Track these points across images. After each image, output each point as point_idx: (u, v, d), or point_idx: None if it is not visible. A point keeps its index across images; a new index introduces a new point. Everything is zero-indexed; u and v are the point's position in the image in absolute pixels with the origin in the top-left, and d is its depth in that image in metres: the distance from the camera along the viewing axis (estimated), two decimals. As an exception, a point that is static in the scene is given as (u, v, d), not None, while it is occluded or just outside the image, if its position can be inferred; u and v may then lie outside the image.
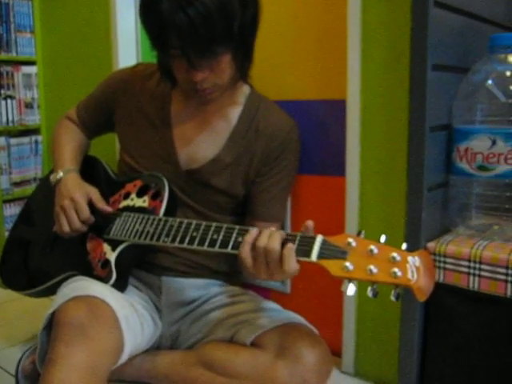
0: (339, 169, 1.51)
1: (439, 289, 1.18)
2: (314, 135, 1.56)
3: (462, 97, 1.30)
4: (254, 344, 1.31)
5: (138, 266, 1.47)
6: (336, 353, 1.53)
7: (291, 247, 1.05)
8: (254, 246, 1.09)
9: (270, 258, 1.07)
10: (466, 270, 1.19)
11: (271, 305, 1.46)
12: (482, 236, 1.26)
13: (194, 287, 1.47)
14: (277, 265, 1.07)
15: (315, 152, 1.56)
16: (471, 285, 1.19)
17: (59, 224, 1.42)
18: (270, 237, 1.08)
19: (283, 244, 1.06)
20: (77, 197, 1.40)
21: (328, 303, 1.62)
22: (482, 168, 1.24)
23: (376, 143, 1.42)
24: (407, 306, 1.29)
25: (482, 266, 1.16)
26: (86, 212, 1.40)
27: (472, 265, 1.18)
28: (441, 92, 1.28)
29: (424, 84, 1.21)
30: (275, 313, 1.40)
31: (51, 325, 1.22)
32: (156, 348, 1.46)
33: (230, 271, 1.54)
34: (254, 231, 1.11)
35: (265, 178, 1.43)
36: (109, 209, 1.41)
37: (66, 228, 1.40)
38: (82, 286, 1.29)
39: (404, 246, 0.98)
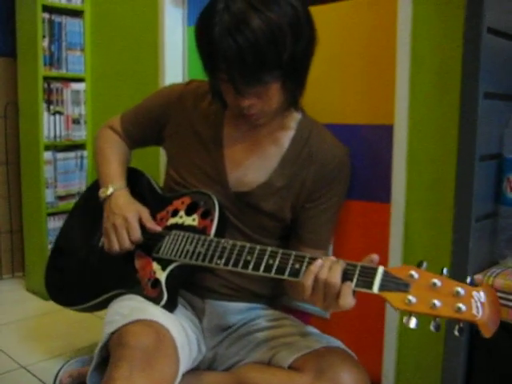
0: (385, 195, 1.49)
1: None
2: (361, 159, 1.54)
3: (514, 126, 1.27)
4: (291, 367, 1.29)
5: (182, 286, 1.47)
6: (375, 381, 1.50)
7: (349, 285, 1.04)
8: (315, 278, 1.08)
9: (328, 291, 1.06)
10: (514, 304, 1.15)
11: (311, 329, 1.44)
12: (532, 269, 1.22)
13: (236, 312, 1.47)
14: (333, 298, 1.06)
15: (361, 177, 1.54)
16: (520, 320, 1.15)
17: (109, 241, 1.43)
18: (330, 269, 1.07)
19: (343, 277, 1.05)
20: (130, 217, 1.41)
21: (368, 330, 1.59)
22: (532, 199, 1.21)
23: (423, 170, 1.40)
24: (451, 338, 1.25)
25: (532, 301, 1.12)
26: (137, 233, 1.40)
27: (521, 299, 1.14)
28: (492, 120, 1.25)
29: (475, 112, 1.19)
30: (314, 337, 1.38)
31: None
32: (194, 368, 1.45)
33: (271, 295, 1.53)
34: (318, 262, 1.10)
35: (315, 205, 1.42)
36: (158, 228, 1.41)
37: (116, 247, 1.41)
38: (139, 307, 1.28)
39: (468, 279, 0.96)
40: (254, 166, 1.42)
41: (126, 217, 1.41)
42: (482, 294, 0.92)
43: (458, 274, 1.10)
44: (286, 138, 1.42)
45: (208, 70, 1.27)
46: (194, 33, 1.26)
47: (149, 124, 1.58)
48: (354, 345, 1.39)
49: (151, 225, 1.42)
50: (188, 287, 1.46)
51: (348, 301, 1.05)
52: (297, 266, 1.12)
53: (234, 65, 1.16)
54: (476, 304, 0.91)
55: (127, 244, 1.40)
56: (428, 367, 1.44)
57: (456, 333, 0.92)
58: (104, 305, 1.45)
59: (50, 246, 2.50)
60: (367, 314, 1.55)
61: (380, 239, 1.50)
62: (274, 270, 1.14)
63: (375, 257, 1.07)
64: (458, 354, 1.24)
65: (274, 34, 1.15)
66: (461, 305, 0.91)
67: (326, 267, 1.08)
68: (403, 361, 1.50)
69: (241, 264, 1.19)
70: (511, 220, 1.26)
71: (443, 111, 1.35)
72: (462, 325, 0.92)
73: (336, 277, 1.05)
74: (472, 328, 0.96)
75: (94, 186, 1.65)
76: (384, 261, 1.06)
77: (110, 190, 1.48)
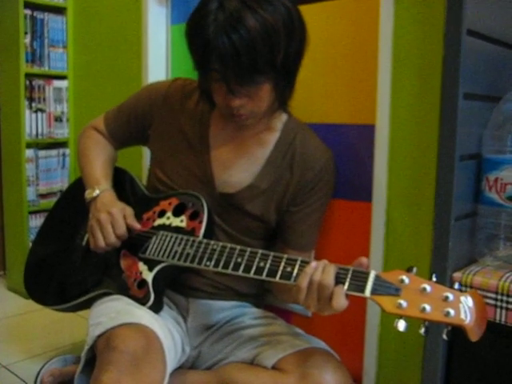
0: (366, 194, 1.50)
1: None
2: (343, 159, 1.55)
3: (493, 126, 1.29)
4: (275, 367, 1.30)
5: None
6: (356, 379, 1.51)
7: (342, 287, 1.06)
8: (309, 279, 1.09)
9: (322, 293, 1.07)
10: (492, 302, 1.17)
11: (294, 329, 1.44)
12: (510, 267, 1.24)
13: (220, 310, 1.47)
14: (327, 301, 1.07)
15: (343, 176, 1.55)
16: (498, 317, 1.16)
17: (94, 238, 1.40)
18: (324, 271, 1.08)
19: (335, 281, 1.07)
20: (114, 211, 1.38)
21: (350, 329, 1.60)
22: (511, 198, 1.23)
23: (404, 170, 1.41)
24: (430, 337, 1.27)
25: (510, 299, 1.14)
26: (122, 227, 1.38)
27: (499, 297, 1.16)
28: (471, 121, 1.27)
29: (455, 112, 1.20)
30: (298, 337, 1.39)
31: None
32: (177, 368, 1.45)
33: (256, 294, 1.54)
34: (313, 264, 1.11)
35: (299, 208, 1.42)
36: (138, 226, 1.39)
37: (101, 243, 1.38)
38: (126, 309, 1.27)
39: (456, 285, 1.00)
40: (239, 168, 1.42)
41: (111, 211, 1.39)
42: (469, 298, 0.95)
43: (437, 272, 1.12)
44: (272, 139, 1.42)
45: (200, 69, 1.26)
46: (184, 31, 1.25)
47: (134, 123, 1.55)
48: (335, 343, 1.40)
49: (131, 221, 1.39)
50: (172, 286, 1.46)
51: (341, 303, 1.06)
52: (288, 269, 1.13)
53: (228, 64, 1.16)
54: (464, 309, 0.94)
55: (113, 239, 1.37)
56: (408, 365, 1.46)
57: (444, 337, 0.97)
58: (87, 305, 1.44)
59: (31, 245, 2.48)
60: (349, 313, 1.55)
61: (362, 237, 1.51)
62: (265, 273, 1.15)
63: (365, 260, 1.09)
64: (438, 352, 1.25)
65: (269, 34, 1.15)
66: (450, 309, 0.94)
67: (320, 269, 1.09)
68: (384, 358, 1.51)
69: (231, 266, 1.19)
70: (490, 219, 1.28)
71: (424, 111, 1.36)
72: (449, 329, 0.96)
73: (330, 278, 1.06)
74: (452, 328, 0.98)
75: (76, 185, 1.63)
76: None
77: (96, 192, 1.46)
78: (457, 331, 0.98)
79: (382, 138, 1.44)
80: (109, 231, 1.37)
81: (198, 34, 1.19)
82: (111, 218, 1.38)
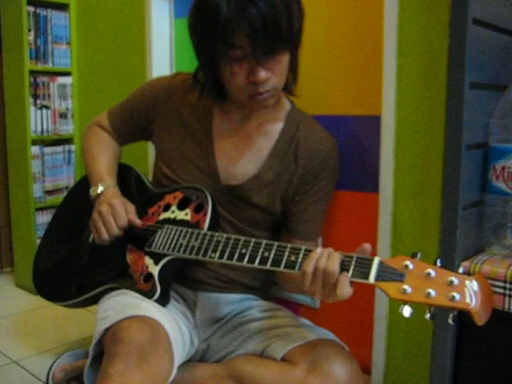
0: (373, 185, 1.50)
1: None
2: (349, 150, 1.55)
3: (499, 115, 1.28)
4: (284, 359, 1.30)
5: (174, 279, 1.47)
6: (365, 370, 1.52)
7: (346, 274, 1.06)
8: (315, 265, 1.09)
9: (327, 279, 1.07)
10: (501, 290, 1.17)
11: (303, 320, 1.45)
12: (518, 256, 1.24)
13: (228, 302, 1.47)
14: (332, 288, 1.07)
15: (349, 167, 1.56)
16: (506, 306, 1.16)
17: (97, 231, 1.41)
18: (329, 257, 1.09)
19: (340, 268, 1.07)
20: (115, 202, 1.39)
21: (358, 319, 1.61)
22: (518, 187, 1.23)
23: (410, 160, 1.42)
24: (440, 326, 1.27)
25: (519, 288, 1.14)
26: (124, 218, 1.39)
27: (508, 286, 1.16)
28: (477, 110, 1.27)
29: (461, 102, 1.20)
30: (307, 328, 1.39)
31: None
32: (187, 360, 1.46)
33: (263, 287, 1.54)
34: (318, 250, 1.11)
35: (304, 197, 1.43)
36: (138, 222, 1.41)
37: (105, 235, 1.39)
38: (133, 303, 1.29)
39: (461, 269, 0.99)
40: (244, 159, 1.42)
41: (112, 203, 1.39)
42: (474, 283, 0.95)
43: (445, 262, 1.12)
44: (276, 130, 1.43)
45: (216, 56, 1.24)
46: (189, 25, 1.25)
47: (137, 119, 1.56)
48: (343, 334, 1.40)
49: (133, 217, 1.40)
50: (179, 280, 1.47)
51: (345, 290, 1.06)
52: (292, 258, 1.13)
53: (257, 34, 1.16)
54: (469, 293, 0.94)
55: (115, 230, 1.39)
56: (417, 355, 1.46)
57: (450, 321, 0.95)
58: (94, 300, 1.45)
59: (38, 241, 2.49)
60: (357, 304, 1.56)
61: (369, 228, 1.52)
62: (269, 263, 1.15)
63: (368, 246, 1.09)
64: (447, 341, 1.25)
65: (287, 1, 1.18)
66: (455, 294, 0.94)
67: (325, 255, 1.09)
68: (393, 349, 1.52)
69: (236, 257, 1.20)
70: (497, 208, 1.28)
71: (430, 101, 1.36)
72: (455, 313, 0.95)
73: (335, 265, 1.07)
74: (460, 316, 0.98)
75: (83, 182, 1.64)
76: (373, 250, 1.07)
77: (101, 189, 1.47)
78: (465, 321, 0.98)
79: (388, 129, 1.44)
80: (111, 223, 1.39)
81: (214, 18, 1.17)
82: (112, 209, 1.39)
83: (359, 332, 1.59)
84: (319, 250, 1.11)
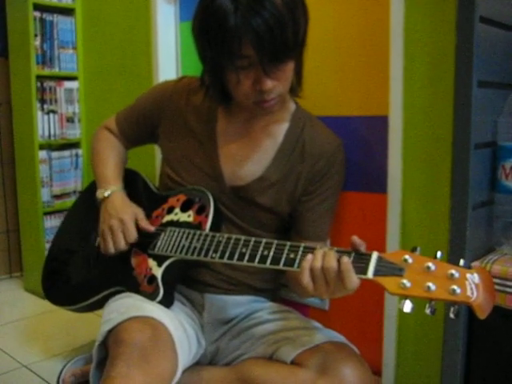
0: (381, 186, 1.49)
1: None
2: (356, 151, 1.55)
3: (508, 113, 1.28)
4: (294, 362, 1.29)
5: (181, 281, 1.48)
6: (376, 371, 1.51)
7: (347, 261, 1.04)
8: (311, 269, 1.08)
9: (328, 277, 1.06)
10: (512, 290, 1.16)
11: (313, 323, 1.44)
12: (529, 256, 1.24)
13: (236, 305, 1.47)
14: (336, 282, 1.06)
15: (357, 168, 1.55)
16: (518, 306, 1.16)
17: (105, 243, 1.44)
18: (324, 256, 1.08)
19: (338, 261, 1.05)
20: (126, 219, 1.42)
21: (368, 320, 1.60)
22: (528, 186, 1.22)
23: (419, 160, 1.41)
24: (450, 326, 1.26)
25: (530, 287, 1.13)
26: (133, 235, 1.41)
27: (519, 285, 1.15)
28: (486, 109, 1.26)
29: (469, 101, 1.19)
30: (317, 331, 1.38)
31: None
32: (195, 364, 1.46)
33: (271, 288, 1.54)
34: (309, 256, 1.10)
35: (311, 197, 1.42)
36: (151, 228, 1.42)
37: (111, 249, 1.42)
38: (136, 305, 1.29)
39: (462, 262, 0.96)
40: (249, 160, 1.42)
41: (123, 219, 1.42)
42: (475, 275, 0.93)
43: (455, 262, 1.11)
44: (281, 131, 1.42)
45: (223, 63, 1.23)
46: (193, 30, 1.25)
47: (143, 122, 1.57)
48: (353, 335, 1.40)
49: (145, 225, 1.43)
50: (186, 282, 1.47)
51: (353, 280, 1.04)
52: (291, 255, 1.13)
53: (263, 44, 1.15)
54: (470, 286, 0.92)
55: (122, 245, 1.41)
56: (428, 355, 1.45)
57: (452, 315, 0.92)
58: (101, 304, 1.45)
59: (47, 245, 2.50)
60: (366, 304, 1.56)
61: (377, 230, 1.51)
62: (269, 261, 1.15)
63: (356, 239, 1.06)
64: (457, 343, 1.25)
65: (292, 7, 1.17)
66: (455, 287, 0.91)
67: (319, 256, 1.08)
68: (403, 350, 1.51)
69: (236, 256, 1.20)
70: (506, 207, 1.27)
71: (437, 100, 1.35)
72: (457, 307, 0.93)
73: (331, 261, 1.06)
74: (470, 315, 0.97)
75: (91, 187, 1.65)
76: (382, 251, 1.06)
77: (108, 192, 1.49)
78: (475, 323, 0.97)
79: (396, 129, 1.43)
80: (120, 239, 1.41)
81: (219, 26, 1.16)
82: (123, 226, 1.42)
83: (369, 333, 1.59)
84: (310, 255, 1.10)
